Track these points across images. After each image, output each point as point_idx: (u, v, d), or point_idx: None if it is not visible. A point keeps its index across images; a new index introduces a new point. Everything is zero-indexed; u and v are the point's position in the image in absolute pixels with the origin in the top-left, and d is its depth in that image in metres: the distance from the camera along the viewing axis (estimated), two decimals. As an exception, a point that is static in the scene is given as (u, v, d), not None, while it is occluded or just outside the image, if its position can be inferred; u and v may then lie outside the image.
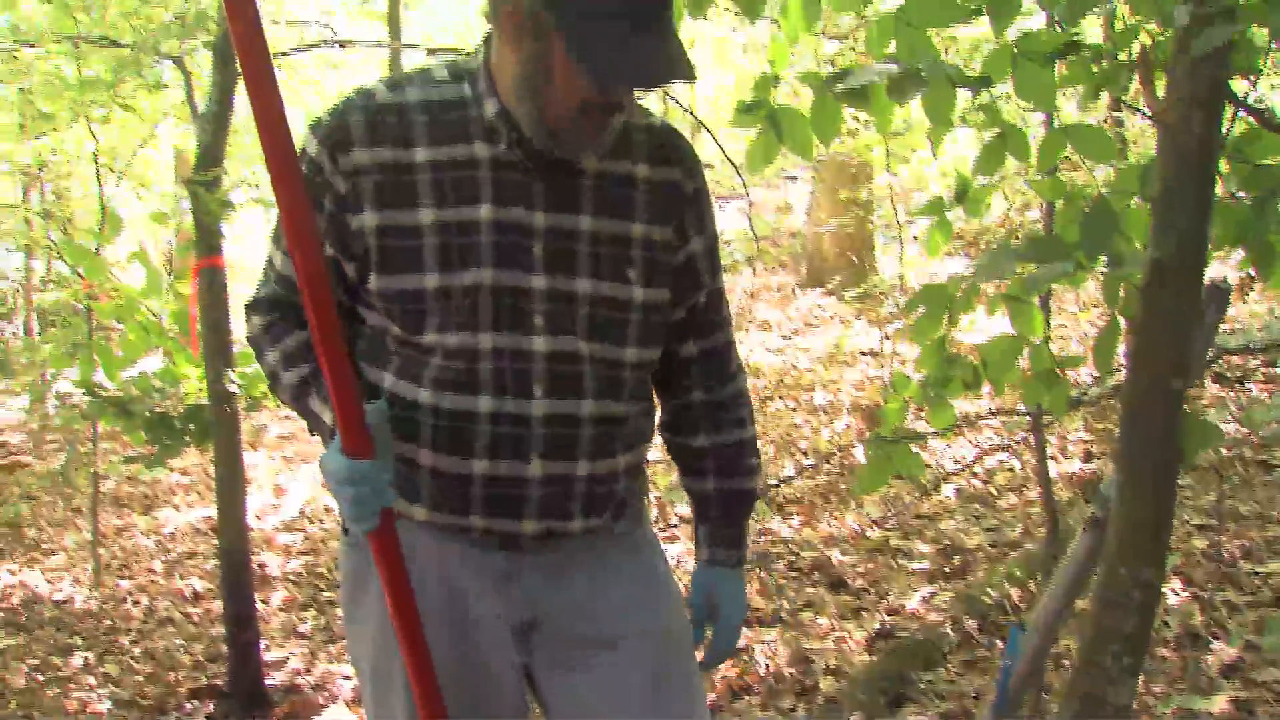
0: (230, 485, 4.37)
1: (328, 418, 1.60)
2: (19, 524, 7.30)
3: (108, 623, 5.58)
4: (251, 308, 1.75)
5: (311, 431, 1.71)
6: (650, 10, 1.45)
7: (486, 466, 1.60)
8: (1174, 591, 3.95)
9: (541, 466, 1.61)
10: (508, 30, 1.50)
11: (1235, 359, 6.22)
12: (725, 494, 1.86)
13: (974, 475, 5.80)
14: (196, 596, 5.89)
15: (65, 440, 8.26)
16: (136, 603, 5.83)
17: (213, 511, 5.62)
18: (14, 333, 12.57)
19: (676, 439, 1.88)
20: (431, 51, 5.28)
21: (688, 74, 1.45)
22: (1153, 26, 2.19)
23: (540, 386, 1.59)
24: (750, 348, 9.09)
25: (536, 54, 1.48)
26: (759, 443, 1.91)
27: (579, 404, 1.62)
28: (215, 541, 5.37)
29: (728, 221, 15.35)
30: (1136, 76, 2.05)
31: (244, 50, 1.38)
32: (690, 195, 1.72)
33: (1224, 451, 5.21)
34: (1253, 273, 2.50)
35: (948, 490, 5.70)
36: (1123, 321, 2.33)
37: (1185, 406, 1.93)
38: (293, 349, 1.67)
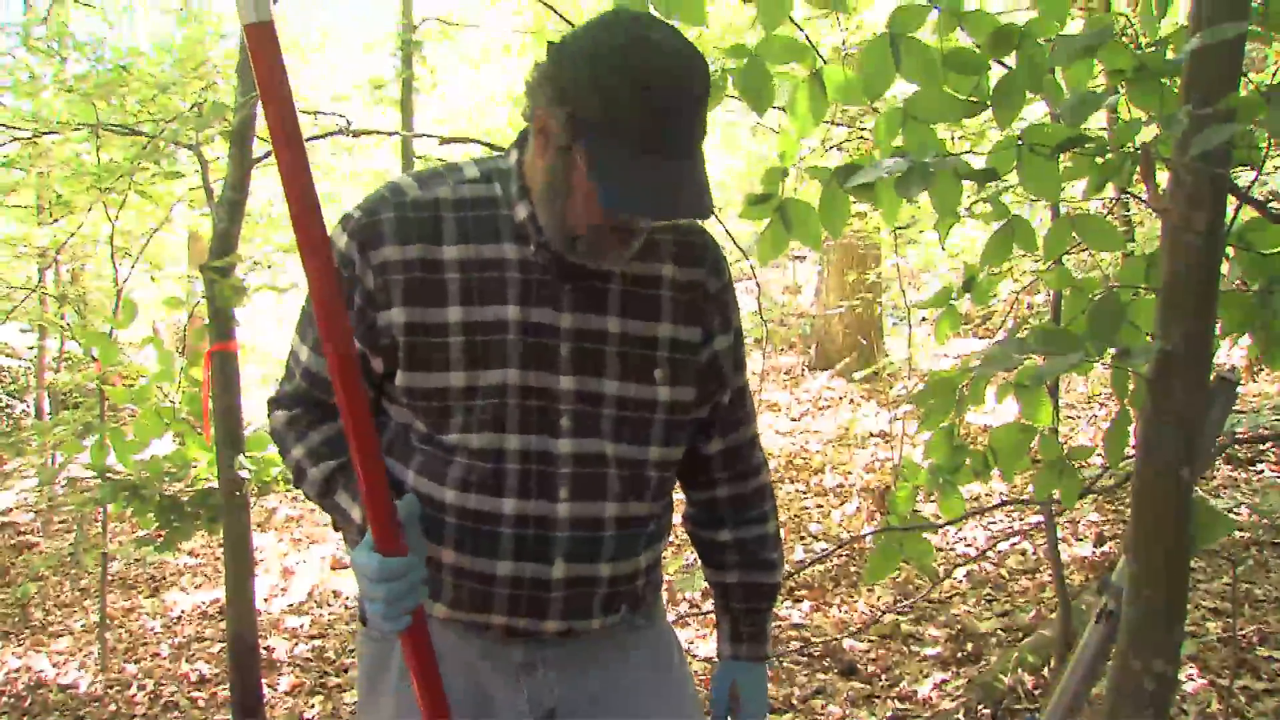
0: (239, 569, 4.36)
1: (356, 514, 1.60)
2: (26, 605, 7.27)
3: (113, 708, 5.53)
4: (275, 403, 1.75)
5: (336, 527, 1.71)
6: (679, 140, 1.44)
7: (510, 568, 1.60)
8: (1190, 678, 3.90)
9: (565, 569, 1.61)
10: (538, 137, 1.51)
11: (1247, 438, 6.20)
12: (748, 587, 1.86)
13: (986, 559, 5.76)
14: (203, 681, 5.84)
15: (74, 521, 8.26)
16: (142, 688, 5.78)
17: (221, 594, 5.60)
18: (25, 411, 12.61)
19: (700, 532, 1.88)
20: (444, 141, 5.37)
21: (706, 210, 1.44)
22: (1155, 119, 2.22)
23: (565, 489, 1.59)
24: (760, 430, 9.08)
25: (560, 166, 1.49)
26: (781, 544, 1.92)
27: (603, 506, 1.62)
28: (223, 625, 5.34)
29: (736, 302, 15.39)
30: (1139, 169, 2.07)
31: (279, 139, 1.38)
32: (715, 294, 1.72)
33: (1237, 534, 5.17)
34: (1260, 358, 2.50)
35: (959, 574, 5.66)
36: (1132, 411, 2.34)
37: (1197, 489, 1.93)
38: (318, 444, 1.68)
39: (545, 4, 5.40)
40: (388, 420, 1.68)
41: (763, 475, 1.89)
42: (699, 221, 1.71)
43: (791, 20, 2.29)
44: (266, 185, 8.76)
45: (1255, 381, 7.66)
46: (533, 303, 1.58)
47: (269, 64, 1.36)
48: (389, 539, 1.48)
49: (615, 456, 1.62)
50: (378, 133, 5.09)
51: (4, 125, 5.76)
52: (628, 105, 1.39)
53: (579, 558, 1.61)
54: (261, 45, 1.36)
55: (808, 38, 2.44)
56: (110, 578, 6.74)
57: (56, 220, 7.62)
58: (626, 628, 1.74)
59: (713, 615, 1.99)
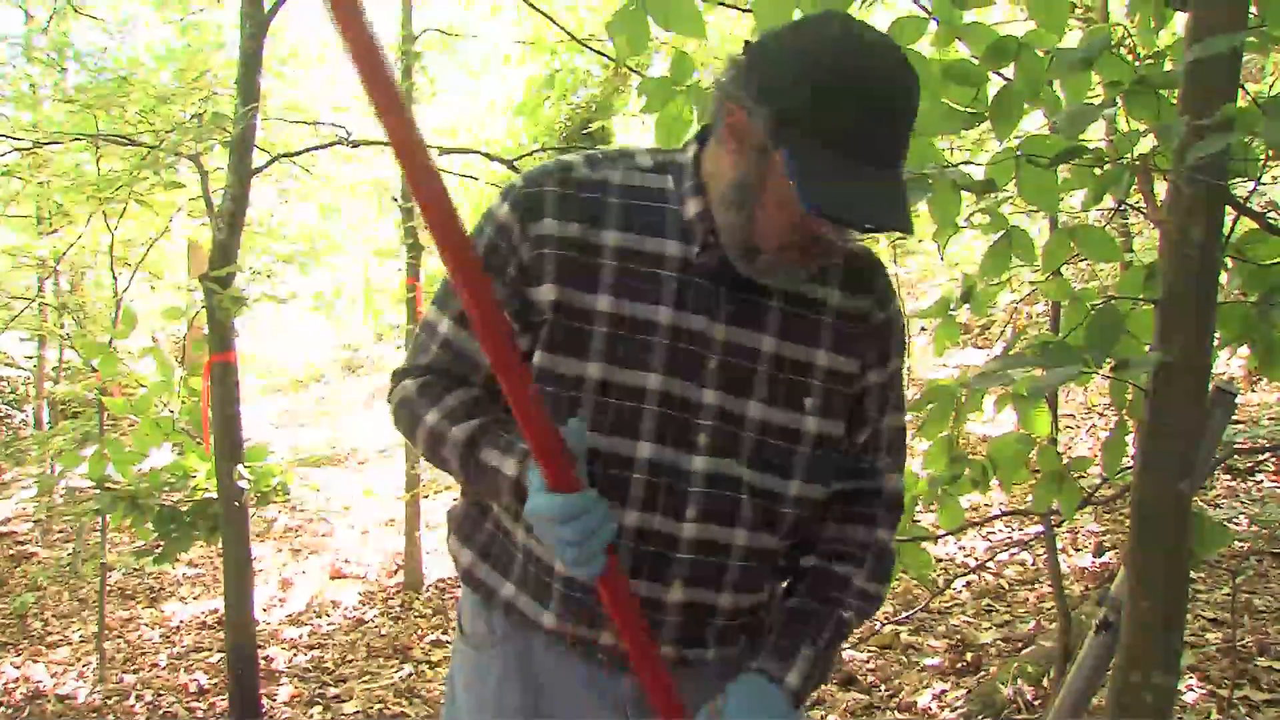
0: (238, 580, 4.36)
1: (510, 467, 1.45)
2: (25, 615, 7.27)
3: (111, 718, 5.52)
4: (403, 374, 1.63)
5: (482, 495, 1.59)
6: (886, 148, 1.34)
7: None
8: (1190, 688, 3.90)
9: (682, 593, 1.52)
10: (728, 134, 1.41)
11: (1245, 448, 6.20)
12: (797, 609, 1.60)
13: (985, 570, 5.76)
14: (201, 691, 5.83)
15: (73, 531, 8.26)
16: (140, 698, 5.77)
17: (219, 604, 5.60)
18: (24, 420, 12.61)
19: (790, 562, 1.66)
20: (444, 151, 5.37)
21: (909, 225, 1.32)
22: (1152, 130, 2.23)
23: (693, 509, 1.49)
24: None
25: (754, 168, 1.38)
26: (872, 601, 1.64)
27: (733, 533, 1.51)
28: (221, 635, 5.34)
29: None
30: (1137, 182, 2.08)
31: (398, 143, 1.19)
32: (878, 325, 1.59)
33: (1237, 544, 5.17)
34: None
35: (959, 584, 5.65)
36: (1131, 422, 2.34)
37: (1196, 500, 1.93)
38: (455, 406, 1.54)
39: (545, 15, 5.41)
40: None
41: (880, 533, 1.64)
42: (885, 237, 1.63)
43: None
44: (266, 195, 8.77)
45: (1254, 391, 7.67)
46: (688, 308, 1.48)
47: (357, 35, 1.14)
48: (564, 475, 1.35)
49: (751, 484, 1.51)
50: (377, 143, 5.09)
51: (4, 135, 5.77)
52: (839, 106, 1.30)
53: (699, 583, 1.51)
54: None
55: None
56: (109, 588, 6.73)
57: (56, 230, 7.64)
58: (746, 664, 1.57)
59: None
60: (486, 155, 5.96)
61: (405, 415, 1.59)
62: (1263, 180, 2.26)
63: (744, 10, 2.86)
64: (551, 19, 5.40)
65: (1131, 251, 6.26)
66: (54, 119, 6.76)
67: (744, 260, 1.45)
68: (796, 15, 2.16)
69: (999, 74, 2.24)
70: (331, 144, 4.99)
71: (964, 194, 2.24)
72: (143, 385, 4.96)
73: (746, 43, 1.42)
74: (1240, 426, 6.43)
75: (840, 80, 1.31)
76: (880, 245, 8.23)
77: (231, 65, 6.02)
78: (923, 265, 10.43)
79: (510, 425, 1.48)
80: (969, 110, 2.26)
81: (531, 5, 5.19)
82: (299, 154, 5.66)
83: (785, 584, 1.67)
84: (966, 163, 3.83)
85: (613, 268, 1.48)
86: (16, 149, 5.77)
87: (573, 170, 1.52)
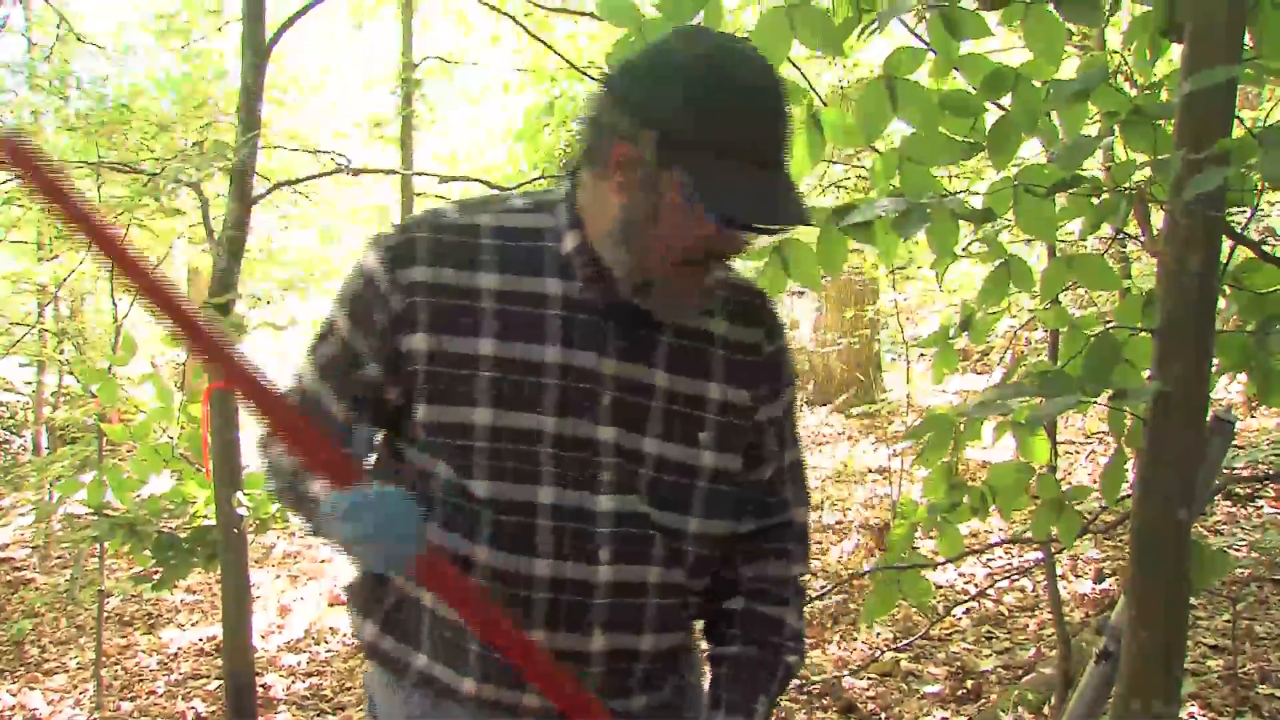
0: (236, 607, 4.35)
1: (318, 489, 1.42)
2: (21, 642, 7.24)
3: (108, 747, 5.50)
4: None
5: (314, 531, 1.51)
6: (773, 149, 1.35)
7: (543, 638, 1.44)
8: (1192, 716, 3.89)
9: (604, 640, 1.46)
10: (613, 168, 1.37)
11: (1245, 473, 6.20)
12: (742, 658, 1.57)
13: (985, 596, 5.75)
14: (199, 719, 5.80)
15: (71, 557, 8.23)
16: (137, 726, 5.76)
17: (217, 631, 5.58)
18: (23, 446, 12.59)
19: (710, 604, 1.62)
20: (443, 179, 5.40)
21: (808, 218, 1.34)
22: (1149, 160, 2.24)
23: (606, 551, 1.44)
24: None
25: (646, 195, 1.36)
26: (803, 642, 1.63)
27: (645, 571, 1.47)
28: (219, 662, 5.32)
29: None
30: (1134, 211, 2.09)
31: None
32: (768, 357, 1.58)
33: (1238, 570, 5.16)
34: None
35: (958, 611, 5.64)
36: (1129, 450, 2.34)
37: (1196, 526, 1.93)
38: None
39: (544, 43, 5.44)
40: (406, 467, 1.51)
41: (795, 568, 1.63)
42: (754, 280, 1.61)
43: (791, 61, 2.31)
44: (266, 222, 8.80)
45: (1254, 416, 7.67)
46: (575, 345, 1.44)
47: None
48: (345, 472, 1.34)
49: (656, 521, 1.47)
50: (377, 171, 5.12)
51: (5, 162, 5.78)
52: (726, 116, 1.31)
53: (619, 627, 1.46)
54: None
55: (805, 78, 2.47)
56: (106, 614, 6.70)
57: (56, 256, 7.65)
58: (672, 713, 1.58)
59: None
60: (486, 183, 5.99)
61: (264, 451, 1.56)
62: (1260, 207, 2.27)
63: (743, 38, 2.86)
64: (551, 47, 5.43)
65: (1130, 278, 6.28)
66: (56, 145, 6.80)
67: (640, 294, 1.42)
68: (796, 45, 2.19)
69: (996, 104, 2.25)
70: (332, 172, 5.01)
71: (962, 223, 2.26)
72: (142, 411, 4.96)
73: (609, 73, 1.42)
74: (1240, 451, 6.42)
75: (722, 91, 1.31)
76: (880, 272, 8.25)
77: (233, 94, 6.06)
78: (921, 292, 10.44)
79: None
80: (966, 140, 2.27)
81: (531, 34, 5.23)
82: (299, 182, 5.67)
83: (709, 627, 1.64)
84: (965, 191, 3.84)
85: (494, 311, 1.44)
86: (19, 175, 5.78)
87: (443, 216, 1.49)
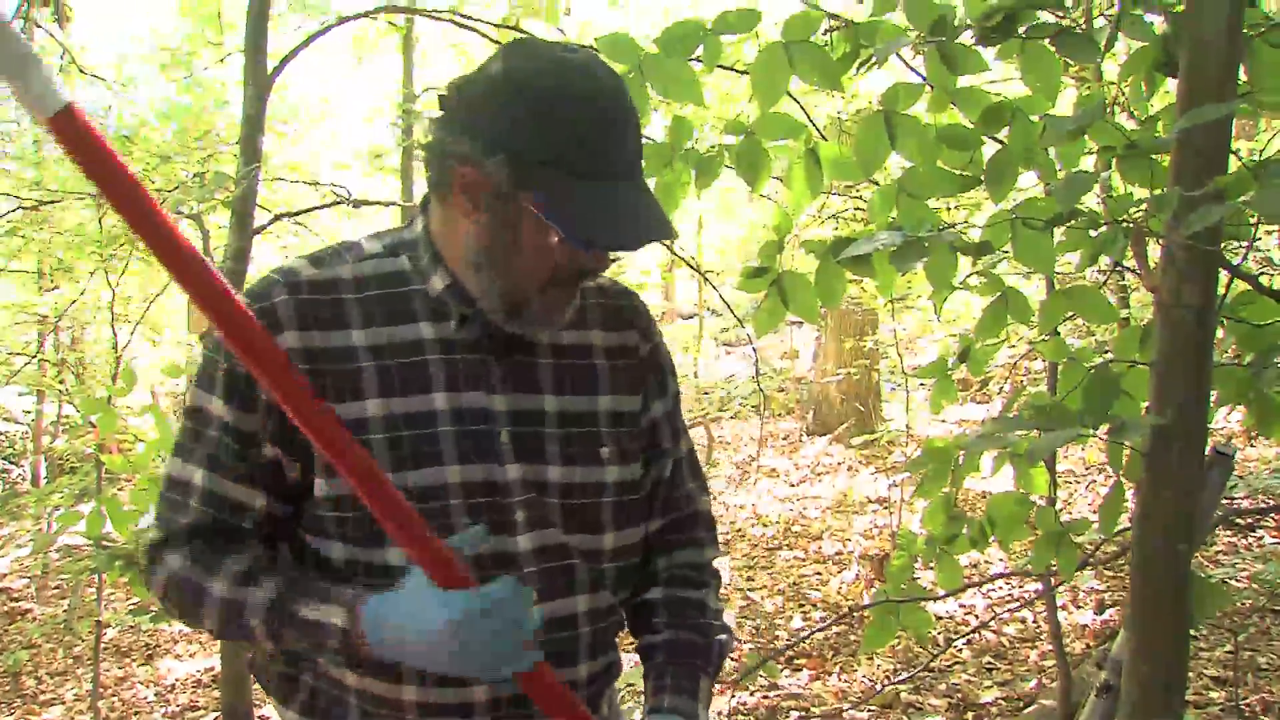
0: (235, 638, 4.33)
1: (337, 616, 1.30)
2: (18, 673, 7.21)
3: (104, 779, 5.47)
4: (161, 546, 1.42)
5: (299, 653, 1.40)
6: (627, 161, 1.31)
7: (486, 692, 1.39)
8: (1193, 750, 3.87)
9: None
10: (463, 196, 1.33)
11: (1246, 503, 6.20)
12: (679, 644, 1.56)
13: (986, 628, 5.73)
14: (196, 752, 5.78)
15: (69, 588, 8.21)
16: (134, 759, 5.72)
17: (215, 662, 5.55)
18: (21, 476, 12.58)
19: (631, 599, 1.62)
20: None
21: (672, 231, 1.31)
22: (1146, 193, 2.26)
23: (533, 590, 1.34)
24: (758, 496, 9.07)
25: (502, 220, 1.32)
26: (728, 619, 1.64)
27: (573, 601, 1.44)
28: (217, 694, 5.29)
29: (734, 368, 15.47)
30: (1131, 246, 2.10)
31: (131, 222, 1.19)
32: (647, 356, 1.57)
33: (1239, 601, 5.15)
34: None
35: (959, 642, 5.62)
36: (1127, 483, 2.34)
37: (1197, 557, 1.93)
38: (243, 569, 1.37)
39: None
40: (311, 553, 1.41)
41: (708, 553, 1.65)
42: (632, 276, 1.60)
43: (790, 94, 2.32)
44: (267, 252, 8.82)
45: (1253, 445, 7.67)
46: (461, 387, 1.39)
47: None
48: (455, 571, 1.25)
49: (576, 547, 1.44)
50: (377, 203, 5.14)
51: (8, 195, 5.82)
52: (575, 132, 1.26)
53: (558, 662, 1.40)
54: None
55: (805, 111, 2.49)
56: (104, 645, 6.67)
57: (57, 286, 7.68)
58: (655, 706, 1.52)
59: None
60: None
61: (183, 596, 1.40)
62: (1258, 237, 2.28)
63: (740, 72, 2.89)
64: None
65: (1128, 307, 6.29)
66: (58, 175, 6.83)
67: (512, 317, 1.38)
68: (794, 80, 2.20)
69: (994, 138, 2.27)
70: (332, 204, 5.03)
71: (960, 255, 2.27)
72: (142, 441, 4.95)
73: (442, 98, 1.36)
74: (1240, 480, 6.42)
75: (568, 107, 1.27)
76: (879, 303, 8.27)
77: (234, 125, 6.09)
78: (920, 321, 10.47)
79: (305, 576, 1.37)
80: (964, 173, 2.29)
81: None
82: (300, 214, 5.69)
83: (632, 621, 1.62)
84: (964, 223, 3.86)
85: (372, 368, 1.36)
86: (21, 206, 5.82)
87: (299, 274, 1.39)
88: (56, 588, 9.01)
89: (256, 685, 5.68)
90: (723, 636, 1.59)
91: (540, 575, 1.40)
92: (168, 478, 1.43)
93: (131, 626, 7.80)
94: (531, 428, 1.42)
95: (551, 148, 1.26)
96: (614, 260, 1.44)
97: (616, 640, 1.55)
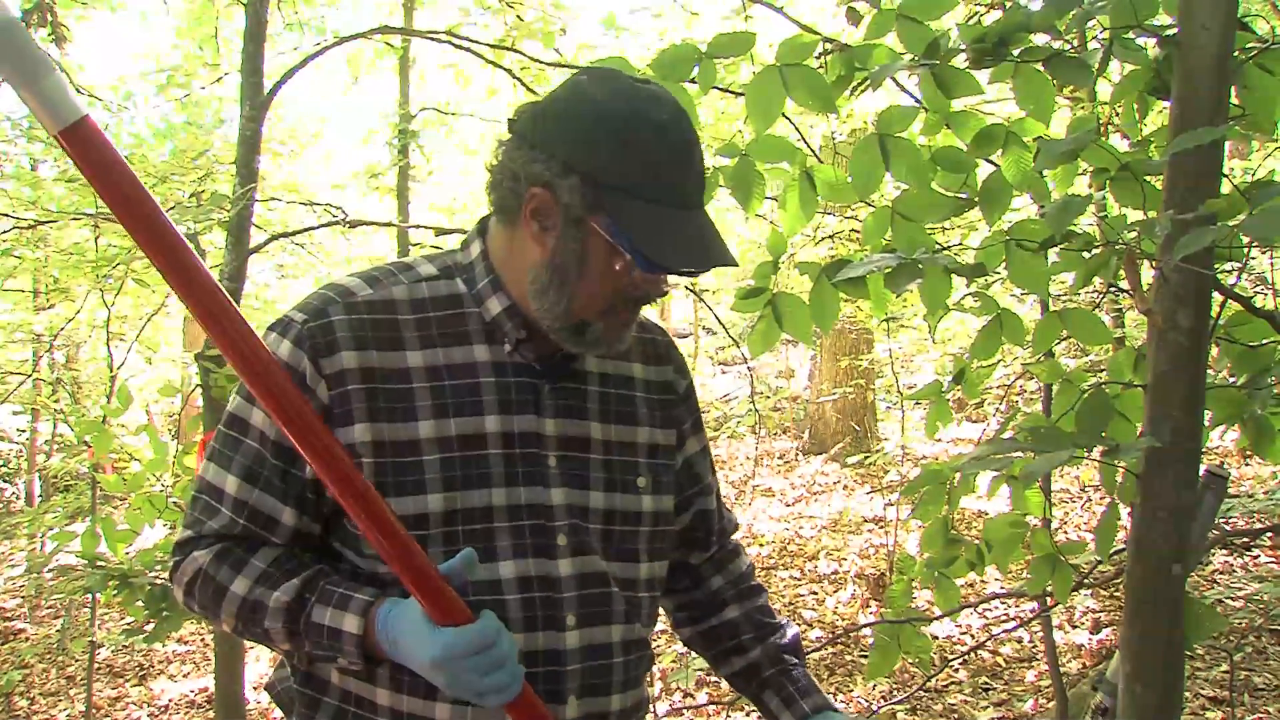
0: (228, 657, 4.33)
1: (351, 624, 1.31)
2: (11, 693, 7.17)
3: (97, 801, 5.44)
4: (189, 544, 1.44)
5: (315, 660, 1.41)
6: (694, 190, 1.34)
7: None
8: (1190, 771, 3.86)
9: (578, 707, 1.42)
10: (533, 218, 1.35)
11: (1242, 523, 6.20)
12: (779, 649, 1.66)
13: (982, 648, 5.72)
14: (189, 773, 5.75)
15: (62, 608, 8.18)
16: (128, 779, 5.69)
17: (209, 682, 5.53)
18: (15, 495, 12.55)
19: (701, 624, 1.70)
20: (440, 232, 5.43)
21: (732, 260, 1.33)
22: (1140, 216, 2.26)
23: (572, 615, 1.40)
24: (754, 515, 9.06)
25: (571, 243, 1.33)
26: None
27: (609, 630, 1.45)
28: (211, 715, 5.26)
29: (729, 386, 15.47)
30: (1124, 268, 2.11)
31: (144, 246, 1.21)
32: (684, 394, 1.62)
33: (1235, 621, 5.15)
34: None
35: (956, 662, 5.60)
36: (1122, 505, 2.35)
37: (1193, 577, 1.93)
38: (267, 568, 1.38)
39: (540, 96, 5.48)
40: (346, 567, 1.43)
41: (745, 557, 1.76)
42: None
43: (785, 116, 2.33)
44: (263, 271, 8.82)
45: (1248, 464, 7.67)
46: (513, 410, 1.41)
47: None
48: (455, 607, 1.26)
49: (614, 575, 1.46)
50: (373, 224, 5.15)
51: (5, 214, 5.82)
52: (647, 159, 1.29)
53: (592, 692, 1.42)
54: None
55: (799, 133, 2.50)
56: (97, 666, 6.65)
57: (53, 305, 7.67)
58: (804, 708, 1.61)
59: (706, 706, 1.83)
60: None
61: (205, 591, 1.41)
62: (1252, 257, 2.29)
63: (736, 94, 2.90)
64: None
65: (1123, 328, 6.31)
66: (54, 195, 6.83)
67: (573, 338, 1.40)
68: (789, 103, 2.21)
69: (988, 160, 2.27)
70: (328, 224, 5.04)
71: (955, 277, 2.27)
72: (137, 461, 4.94)
73: (512, 121, 1.39)
74: (1235, 500, 6.42)
75: (642, 133, 1.30)
76: (874, 322, 8.28)
77: (231, 145, 6.10)
78: (916, 340, 10.47)
79: (335, 573, 1.39)
80: (958, 195, 2.29)
81: (528, 88, 5.27)
82: (296, 234, 5.70)
83: (714, 652, 1.70)
84: (958, 245, 3.87)
85: (427, 389, 1.38)
86: (17, 226, 5.82)
87: (355, 294, 1.41)
88: (49, 608, 8.97)
89: (250, 705, 5.66)
90: (794, 628, 1.72)
91: (579, 600, 1.42)
92: (203, 481, 1.44)
93: (125, 647, 7.76)
94: (578, 454, 1.45)
95: (626, 173, 1.29)
96: (674, 286, 1.46)
97: (646, 680, 1.57)
